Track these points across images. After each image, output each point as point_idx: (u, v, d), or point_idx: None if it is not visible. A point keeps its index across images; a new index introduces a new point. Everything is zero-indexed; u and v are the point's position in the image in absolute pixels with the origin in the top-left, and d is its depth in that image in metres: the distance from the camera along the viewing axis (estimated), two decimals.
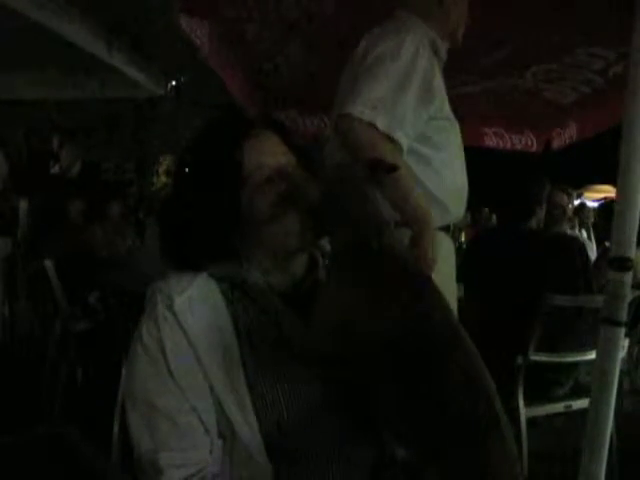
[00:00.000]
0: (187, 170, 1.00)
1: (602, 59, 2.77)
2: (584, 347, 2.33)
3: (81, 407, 2.94)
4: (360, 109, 1.45)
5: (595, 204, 8.73)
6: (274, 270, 0.99)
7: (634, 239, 1.46)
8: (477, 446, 0.76)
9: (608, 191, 10.81)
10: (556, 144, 4.06)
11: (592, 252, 4.05)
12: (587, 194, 11.90)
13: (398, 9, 1.72)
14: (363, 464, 0.92)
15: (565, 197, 3.84)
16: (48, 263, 3.04)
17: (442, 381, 0.78)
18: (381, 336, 0.80)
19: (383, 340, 0.80)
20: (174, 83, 6.20)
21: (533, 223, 2.67)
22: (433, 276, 0.91)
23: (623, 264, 1.45)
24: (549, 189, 2.91)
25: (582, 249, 2.57)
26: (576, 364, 2.41)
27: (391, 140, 1.47)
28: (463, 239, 5.46)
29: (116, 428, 0.97)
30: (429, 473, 0.77)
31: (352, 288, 0.84)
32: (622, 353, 1.97)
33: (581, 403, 2.34)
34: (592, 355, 2.07)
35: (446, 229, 1.75)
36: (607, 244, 3.29)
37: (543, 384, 2.40)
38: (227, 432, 0.90)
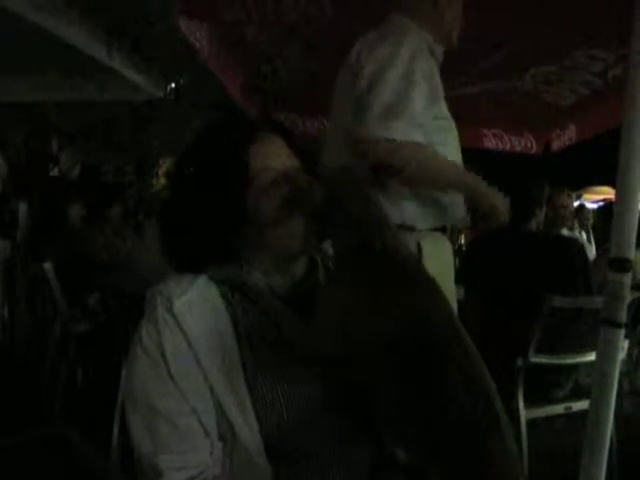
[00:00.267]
0: (190, 171, 1.00)
1: (601, 61, 2.77)
2: (584, 348, 2.33)
3: (81, 409, 2.94)
4: (374, 130, 1.44)
5: (594, 206, 8.74)
6: (275, 272, 0.99)
7: (633, 240, 1.46)
8: (477, 447, 0.76)
9: (607, 193, 10.82)
10: (555, 146, 4.07)
11: (591, 254, 4.05)
12: (586, 195, 11.90)
13: (393, 12, 1.73)
14: (363, 465, 0.92)
15: (568, 197, 3.85)
16: (47, 265, 3.04)
17: (442, 381, 0.78)
18: (382, 337, 0.80)
19: (384, 341, 0.80)
20: (173, 85, 6.20)
21: (533, 225, 2.67)
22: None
23: (622, 265, 1.45)
24: (548, 190, 2.91)
25: (581, 251, 2.57)
26: (576, 365, 2.41)
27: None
28: (463, 241, 5.46)
29: (116, 430, 0.97)
30: (429, 474, 0.77)
31: (353, 289, 0.84)
32: (622, 354, 1.97)
33: (581, 404, 2.34)
34: (592, 356, 2.07)
35: (443, 230, 1.76)
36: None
37: (543, 386, 2.40)
38: (227, 434, 0.90)
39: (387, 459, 0.90)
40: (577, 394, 2.43)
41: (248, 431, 0.88)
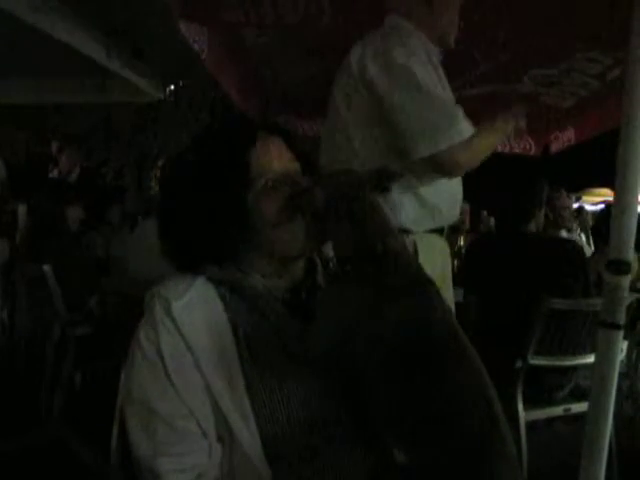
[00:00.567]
0: (190, 171, 0.99)
1: (599, 64, 2.77)
2: (583, 350, 2.34)
3: (80, 411, 2.94)
4: (423, 146, 1.53)
5: (593, 208, 8.74)
6: (274, 274, 1.00)
7: (632, 242, 1.46)
8: (477, 448, 0.76)
9: (606, 195, 10.83)
10: (554, 148, 4.07)
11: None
12: (585, 197, 11.92)
13: (389, 14, 1.73)
14: (362, 467, 0.92)
15: (568, 199, 3.86)
16: (47, 268, 3.04)
17: (442, 384, 0.78)
18: (381, 339, 0.80)
19: (384, 343, 0.80)
20: (173, 88, 6.21)
21: (532, 226, 2.67)
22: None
23: (621, 267, 1.45)
24: (549, 192, 2.92)
25: (581, 252, 2.57)
26: (575, 367, 2.41)
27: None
28: (462, 243, 5.45)
29: (115, 432, 0.97)
30: (429, 476, 0.77)
31: (354, 291, 0.85)
32: (621, 356, 1.97)
33: (580, 406, 2.35)
34: (591, 358, 2.07)
35: (440, 232, 1.76)
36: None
37: (542, 387, 2.40)
38: (226, 436, 0.90)
39: (386, 461, 0.90)
40: (576, 396, 2.43)
41: (247, 433, 0.88)
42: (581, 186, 12.07)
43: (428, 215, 1.69)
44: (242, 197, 0.95)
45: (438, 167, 1.59)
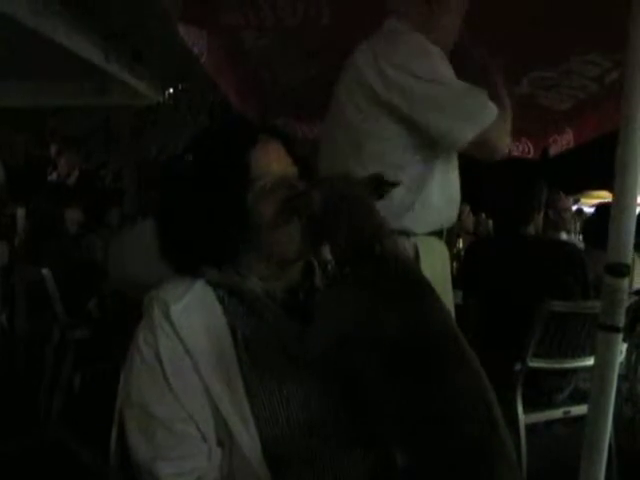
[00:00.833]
0: (190, 172, 0.99)
1: (598, 66, 2.78)
2: (582, 353, 2.33)
3: (79, 414, 2.93)
4: (463, 133, 1.59)
5: (592, 210, 8.73)
6: (272, 276, 1.00)
7: (631, 245, 1.46)
8: (476, 451, 0.76)
9: (605, 197, 10.83)
10: (553, 150, 4.07)
11: None
12: (584, 200, 11.92)
13: (389, 16, 1.74)
14: (362, 469, 0.92)
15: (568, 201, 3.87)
16: (46, 271, 3.04)
17: (440, 386, 0.78)
18: (380, 341, 0.81)
19: (382, 345, 0.80)
20: (172, 90, 6.21)
21: (532, 229, 2.67)
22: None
23: (620, 270, 1.45)
24: (549, 193, 2.92)
25: (580, 255, 2.57)
26: (575, 370, 2.41)
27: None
28: (461, 245, 5.45)
29: (114, 435, 0.97)
30: (428, 478, 0.77)
31: (352, 293, 0.85)
32: (620, 358, 1.97)
33: (580, 409, 2.34)
34: (590, 361, 2.07)
35: (439, 234, 1.77)
36: None
37: (542, 390, 2.40)
38: (226, 439, 0.90)
39: (386, 462, 0.90)
40: (576, 398, 2.43)
41: (247, 436, 0.88)
42: (580, 188, 12.07)
43: (429, 216, 1.70)
44: (242, 197, 0.95)
45: (484, 147, 1.65)
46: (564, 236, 4.24)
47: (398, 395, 0.80)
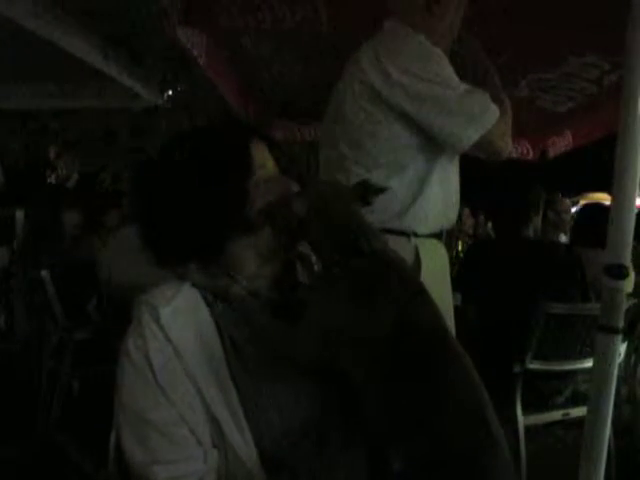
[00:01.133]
0: (188, 162, 0.98)
1: (597, 68, 2.78)
2: (581, 355, 2.33)
3: (78, 417, 2.93)
4: (467, 135, 1.60)
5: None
6: (258, 274, 0.99)
7: (630, 246, 1.46)
8: (471, 457, 0.76)
9: (604, 199, 10.83)
10: (552, 152, 4.08)
11: None
12: (583, 202, 11.90)
13: (388, 18, 1.74)
14: (358, 470, 0.91)
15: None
16: (44, 273, 3.03)
17: (431, 386, 0.78)
18: (369, 341, 0.81)
19: (372, 345, 0.81)
20: (170, 93, 6.21)
21: (530, 231, 2.68)
22: (427, 282, 0.92)
23: (619, 271, 1.45)
24: (549, 195, 2.92)
25: (579, 257, 2.57)
26: (574, 372, 2.41)
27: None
28: (460, 247, 5.46)
29: (113, 439, 0.97)
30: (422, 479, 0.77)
31: (341, 292, 0.85)
32: (619, 359, 1.97)
33: (579, 411, 2.34)
34: (590, 363, 2.07)
35: (439, 236, 1.77)
36: None
37: (541, 392, 2.40)
38: (220, 442, 0.90)
39: (382, 463, 0.90)
40: (575, 400, 2.42)
41: (240, 439, 0.88)
42: (579, 190, 12.08)
43: (429, 217, 1.71)
44: (244, 188, 0.95)
45: (488, 148, 1.67)
46: (563, 238, 4.24)
47: (388, 396, 0.80)
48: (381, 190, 0.99)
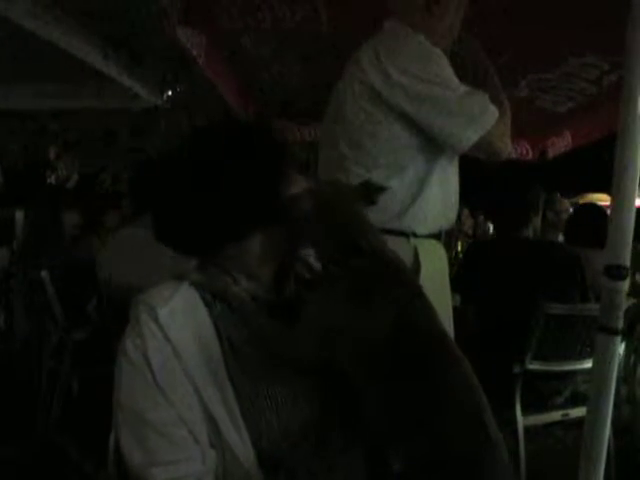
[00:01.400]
0: (215, 154, 0.97)
1: (596, 69, 2.79)
2: (581, 355, 2.33)
3: (77, 417, 2.93)
4: (466, 136, 1.60)
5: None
6: (257, 276, 0.99)
7: (629, 247, 1.46)
8: (469, 458, 0.76)
9: (603, 199, 10.84)
10: (551, 153, 4.08)
11: None
12: (582, 202, 11.89)
13: (388, 19, 1.74)
14: (357, 470, 0.91)
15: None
16: (44, 273, 3.03)
17: (428, 388, 0.78)
18: (366, 341, 0.81)
19: (368, 345, 0.81)
20: (170, 93, 6.21)
21: (529, 231, 2.68)
22: (426, 283, 0.92)
23: (619, 272, 1.45)
24: (549, 195, 2.92)
25: (578, 257, 2.57)
26: (573, 372, 2.40)
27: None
28: (459, 248, 5.46)
29: (112, 439, 0.96)
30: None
31: (339, 293, 0.85)
32: (618, 359, 1.97)
33: (579, 411, 2.34)
34: (589, 363, 2.07)
35: (438, 237, 1.77)
36: None
37: (541, 393, 2.40)
38: (218, 442, 0.90)
39: (382, 463, 0.90)
40: (574, 401, 2.42)
41: (238, 439, 0.88)
42: (578, 191, 12.08)
43: (428, 218, 1.71)
44: (277, 184, 0.96)
45: (487, 148, 1.67)
46: (562, 238, 4.25)
47: (387, 397, 0.80)
48: (383, 189, 0.99)
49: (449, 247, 4.53)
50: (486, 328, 2.52)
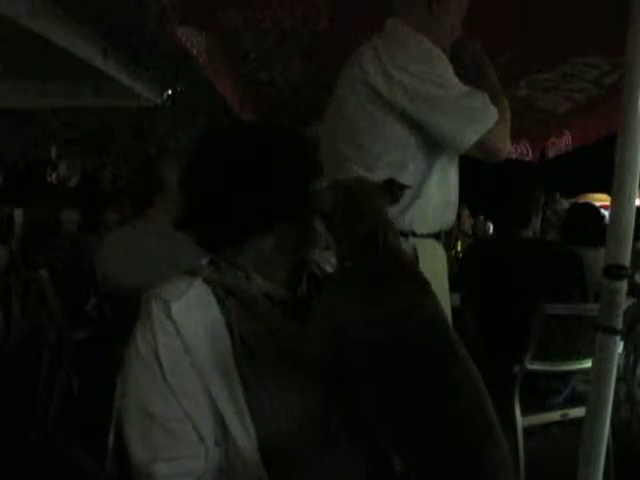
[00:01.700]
0: (249, 153, 0.99)
1: (596, 69, 2.79)
2: (580, 355, 2.33)
3: (77, 416, 2.93)
4: (466, 136, 1.61)
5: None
6: (270, 274, 0.99)
7: (629, 247, 1.46)
8: (472, 456, 0.76)
9: (603, 199, 10.84)
10: (551, 153, 4.09)
11: None
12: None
13: (389, 18, 1.74)
14: (362, 470, 0.91)
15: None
16: (43, 272, 3.03)
17: (434, 387, 0.78)
18: (375, 340, 0.81)
19: (377, 344, 0.80)
20: (170, 92, 6.21)
21: (529, 231, 2.67)
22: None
23: (618, 272, 1.45)
24: (545, 196, 2.92)
25: (578, 257, 2.57)
26: (573, 372, 2.40)
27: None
28: (459, 248, 5.46)
29: (112, 438, 0.96)
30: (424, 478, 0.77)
31: (350, 291, 0.85)
32: (618, 359, 1.97)
33: (578, 411, 2.34)
34: (588, 363, 2.07)
35: (437, 236, 1.77)
36: None
37: (540, 392, 2.40)
38: (223, 439, 0.90)
39: (386, 464, 0.90)
40: (574, 401, 2.42)
41: (244, 437, 0.88)
42: (578, 191, 12.09)
43: (427, 218, 1.71)
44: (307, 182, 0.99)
45: (487, 149, 1.67)
46: None
47: (392, 396, 0.80)
48: (406, 187, 1.00)
49: (449, 247, 4.54)
50: (486, 328, 2.52)
